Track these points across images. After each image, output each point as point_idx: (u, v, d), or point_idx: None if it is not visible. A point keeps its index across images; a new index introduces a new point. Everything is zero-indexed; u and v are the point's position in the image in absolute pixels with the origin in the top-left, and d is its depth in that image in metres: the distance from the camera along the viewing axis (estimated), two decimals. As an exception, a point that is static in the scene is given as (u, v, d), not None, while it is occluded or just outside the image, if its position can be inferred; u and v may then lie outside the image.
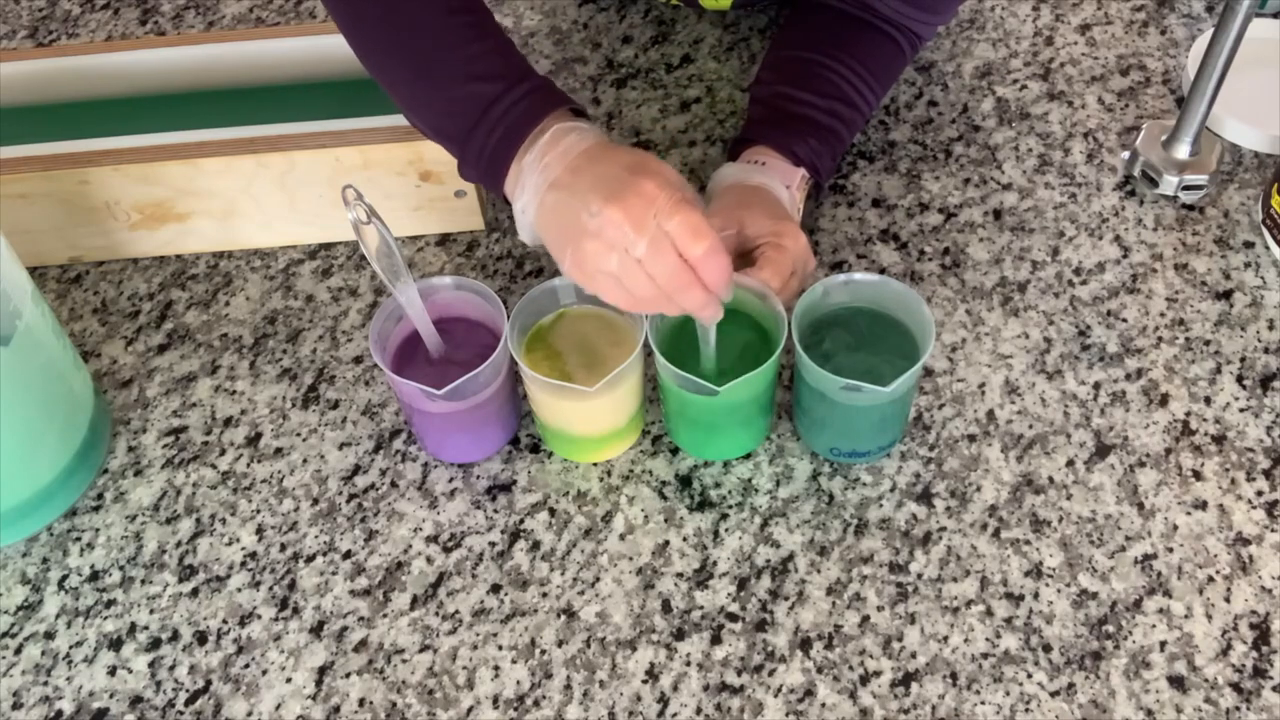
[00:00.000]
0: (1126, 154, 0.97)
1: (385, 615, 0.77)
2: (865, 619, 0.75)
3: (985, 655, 0.74)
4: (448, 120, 0.77)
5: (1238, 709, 0.71)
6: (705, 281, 0.68)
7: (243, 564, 0.80)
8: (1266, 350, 0.87)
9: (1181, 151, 0.94)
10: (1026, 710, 0.72)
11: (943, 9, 0.94)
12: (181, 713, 0.74)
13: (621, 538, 0.80)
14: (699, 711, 0.72)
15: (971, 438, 0.83)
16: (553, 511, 0.81)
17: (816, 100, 0.90)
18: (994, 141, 1.00)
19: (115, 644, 0.77)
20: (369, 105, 0.92)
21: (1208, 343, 0.87)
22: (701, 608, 0.76)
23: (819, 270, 0.92)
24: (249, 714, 0.74)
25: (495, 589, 0.78)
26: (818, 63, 0.91)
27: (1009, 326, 0.89)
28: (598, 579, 0.78)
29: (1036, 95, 1.03)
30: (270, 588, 0.79)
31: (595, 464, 0.83)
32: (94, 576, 0.80)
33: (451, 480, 0.83)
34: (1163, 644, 0.74)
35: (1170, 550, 0.77)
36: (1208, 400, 0.84)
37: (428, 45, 0.76)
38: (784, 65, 0.93)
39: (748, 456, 0.83)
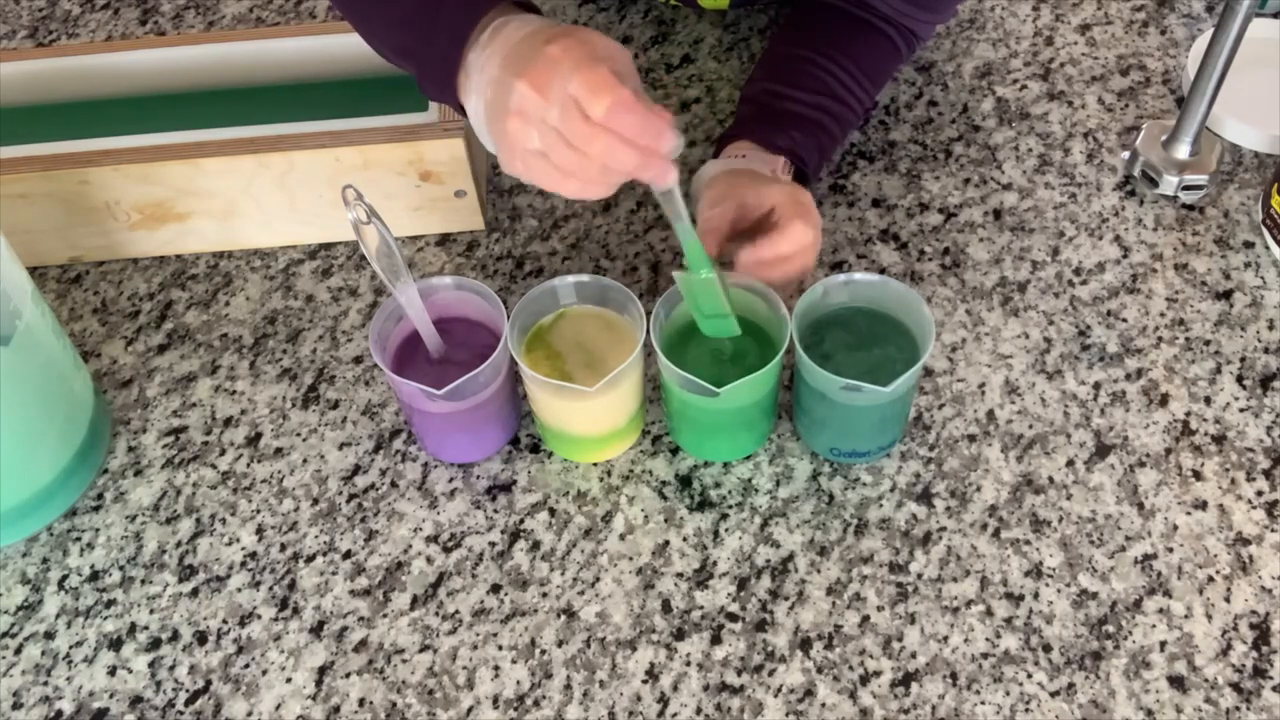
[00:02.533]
0: (1126, 154, 0.97)
1: (385, 615, 0.77)
2: (865, 619, 0.75)
3: (985, 655, 0.74)
4: (402, 33, 0.75)
5: (1238, 709, 0.71)
6: (626, 139, 0.63)
7: (243, 564, 0.80)
8: (1266, 350, 0.87)
9: (1181, 151, 0.94)
10: (1026, 710, 0.72)
11: (942, 8, 0.94)
12: (181, 713, 0.74)
13: (621, 538, 0.80)
14: (699, 711, 0.72)
15: (971, 438, 0.83)
16: (553, 511, 0.81)
17: (802, 96, 0.90)
18: (994, 141, 1.00)
19: (115, 644, 0.77)
20: (369, 105, 0.92)
21: (1208, 343, 0.87)
22: (701, 608, 0.76)
23: (819, 270, 0.92)
24: (249, 714, 0.74)
25: (495, 589, 0.78)
26: (808, 60, 0.91)
27: (1009, 326, 0.89)
28: (598, 579, 0.78)
29: (1036, 95, 1.03)
30: (270, 588, 0.79)
31: (595, 464, 0.83)
32: (94, 576, 0.80)
33: (451, 480, 0.83)
34: (1163, 644, 0.74)
35: (1170, 550, 0.77)
36: (1208, 400, 0.84)
37: None
38: (774, 64, 0.93)
39: (748, 457, 0.83)
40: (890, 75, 0.96)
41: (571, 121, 0.63)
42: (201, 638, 0.77)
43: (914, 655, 0.74)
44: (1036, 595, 0.76)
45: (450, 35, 0.72)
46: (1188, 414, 0.84)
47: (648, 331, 0.77)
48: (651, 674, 0.74)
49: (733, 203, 0.78)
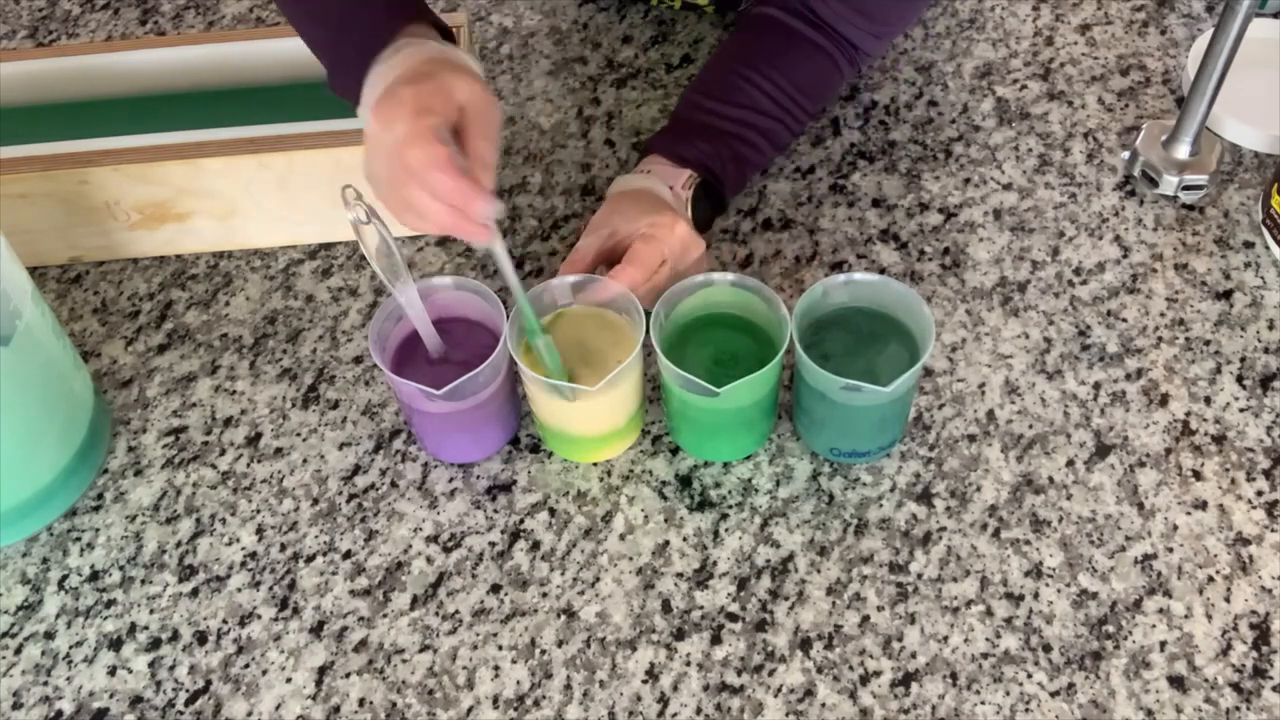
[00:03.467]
0: (1126, 154, 0.97)
1: (385, 615, 0.77)
2: (865, 619, 0.75)
3: (985, 655, 0.74)
4: (318, 31, 0.79)
5: (1238, 709, 0.71)
6: (437, 194, 0.67)
7: (243, 564, 0.80)
8: (1266, 350, 0.87)
9: (1181, 151, 0.94)
10: (1026, 710, 0.72)
11: (889, 19, 0.93)
12: (181, 713, 0.74)
13: (621, 538, 0.80)
14: (699, 711, 0.72)
15: (971, 438, 0.83)
16: (553, 511, 0.81)
17: (725, 109, 0.90)
18: (994, 141, 1.00)
19: (115, 644, 0.77)
20: (369, 105, 0.92)
21: (1208, 343, 0.87)
22: (701, 608, 0.76)
23: (819, 270, 0.92)
24: (249, 714, 0.74)
25: (495, 589, 0.78)
26: (738, 74, 0.91)
27: (1009, 326, 0.89)
28: (598, 579, 0.78)
29: (1036, 95, 1.03)
30: (270, 588, 0.79)
31: (595, 464, 0.83)
32: (94, 576, 0.80)
33: (451, 480, 0.83)
34: (1163, 644, 0.74)
35: (1170, 550, 0.77)
36: (1208, 400, 0.84)
37: None
38: (706, 76, 0.94)
39: (748, 457, 0.83)
40: (830, 91, 0.96)
41: (394, 166, 0.67)
42: (201, 638, 0.77)
43: (914, 655, 0.74)
44: (1036, 595, 0.76)
45: (360, 48, 0.74)
46: (1188, 414, 0.84)
47: (647, 331, 0.77)
48: (651, 674, 0.74)
49: (606, 231, 0.81)
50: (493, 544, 0.80)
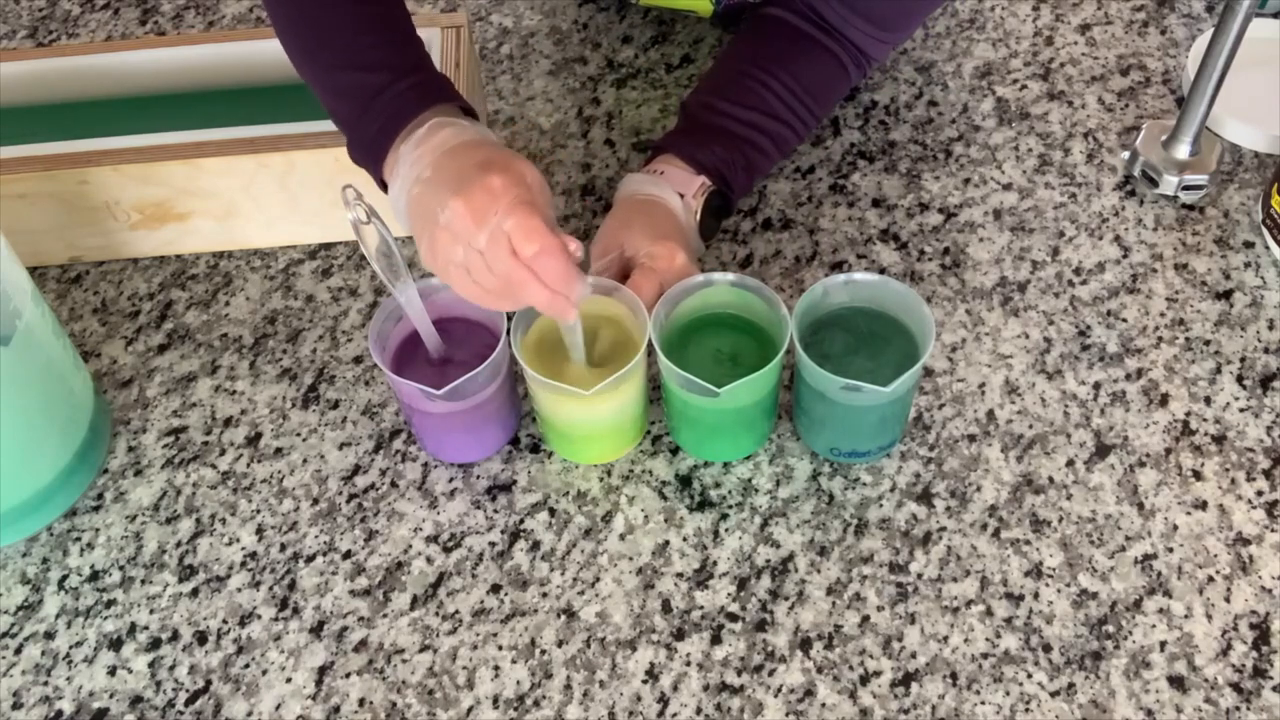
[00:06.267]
0: (1126, 154, 0.97)
1: (385, 615, 0.77)
2: (865, 619, 0.75)
3: (985, 655, 0.74)
4: (339, 103, 0.80)
5: (1238, 709, 0.71)
6: (543, 281, 0.70)
7: (243, 564, 0.80)
8: (1266, 350, 0.87)
9: (1181, 151, 0.94)
10: (1026, 710, 0.72)
11: (899, 27, 0.94)
12: (181, 713, 0.74)
13: (621, 538, 0.80)
14: (699, 711, 0.72)
15: (971, 438, 0.83)
16: (553, 511, 0.81)
17: (737, 111, 0.90)
18: (994, 141, 1.00)
19: (115, 644, 0.77)
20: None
21: (1208, 343, 0.87)
22: (701, 608, 0.76)
23: (819, 270, 0.92)
24: (249, 714, 0.74)
25: (495, 589, 0.78)
26: (749, 74, 0.91)
27: (1009, 326, 0.89)
28: (598, 579, 0.78)
29: (1036, 95, 1.03)
30: (270, 588, 0.79)
31: (595, 464, 0.83)
32: (94, 576, 0.80)
33: (451, 480, 0.83)
34: (1163, 644, 0.74)
35: (1170, 550, 0.77)
36: (1208, 400, 0.84)
37: (331, 31, 0.79)
38: (716, 76, 0.94)
39: (748, 457, 0.83)
40: (837, 96, 0.96)
41: (498, 252, 0.69)
42: (201, 638, 0.77)
43: (914, 655, 0.74)
44: (1036, 595, 0.76)
45: (385, 122, 0.76)
46: (1188, 414, 0.84)
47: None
48: (651, 674, 0.74)
49: (618, 254, 0.83)
50: (493, 544, 0.80)
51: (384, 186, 0.79)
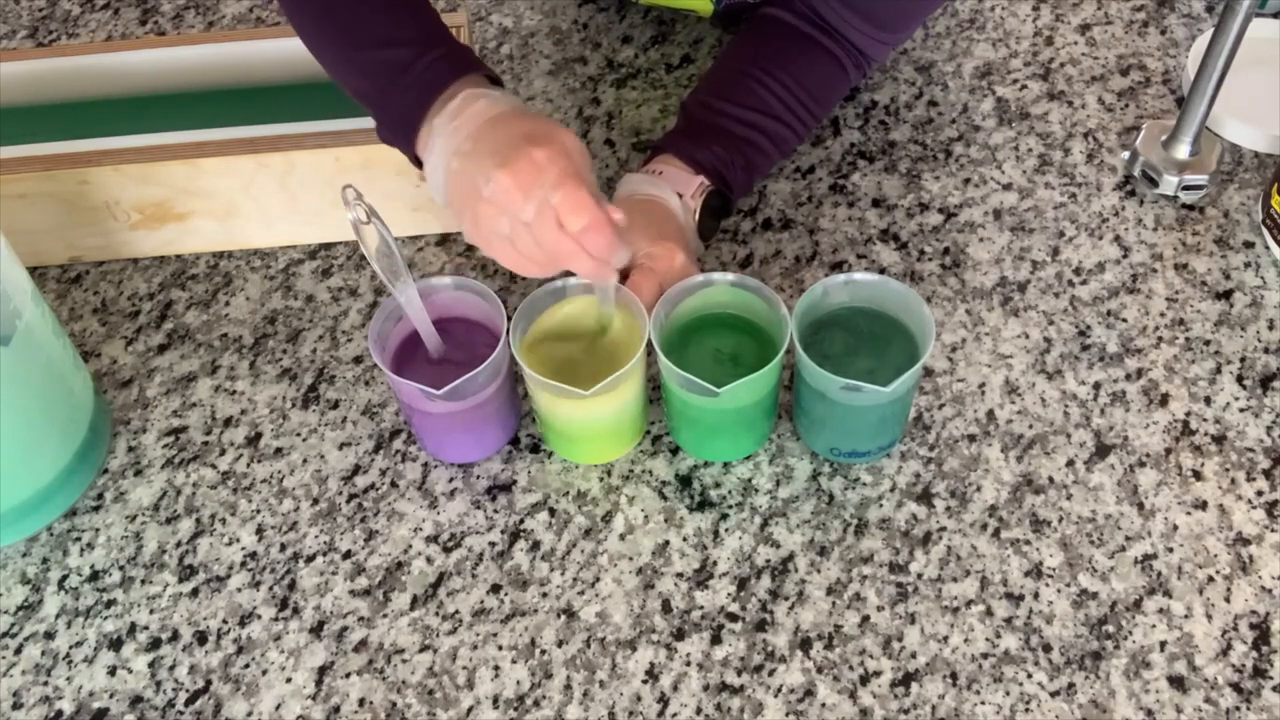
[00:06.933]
0: (1126, 154, 0.97)
1: (385, 615, 0.77)
2: (865, 619, 0.75)
3: (985, 655, 0.74)
4: (365, 81, 0.79)
5: (1238, 709, 0.71)
6: (588, 252, 0.71)
7: (243, 564, 0.80)
8: (1266, 350, 0.87)
9: (1181, 151, 0.94)
10: (1026, 710, 0.72)
11: (899, 28, 0.93)
12: (181, 713, 0.74)
13: (621, 538, 0.80)
14: (699, 711, 0.72)
15: (971, 438, 0.83)
16: (553, 511, 0.81)
17: (736, 111, 0.90)
18: (994, 141, 1.00)
19: (115, 644, 0.77)
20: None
21: (1208, 343, 0.87)
22: (701, 608, 0.76)
23: (819, 270, 0.92)
24: (249, 714, 0.74)
25: (495, 589, 0.78)
26: (748, 74, 0.91)
27: (1009, 326, 0.89)
28: (598, 579, 0.78)
29: (1036, 95, 1.03)
30: (270, 588, 0.79)
31: (595, 464, 0.83)
32: (94, 576, 0.80)
33: (451, 480, 0.83)
34: (1163, 644, 0.74)
35: (1170, 550, 0.77)
36: (1208, 400, 0.84)
37: (349, 12, 0.79)
38: (716, 76, 0.93)
39: (748, 457, 0.83)
40: (837, 96, 0.95)
41: (545, 225, 0.70)
42: (201, 638, 0.77)
43: (914, 655, 0.74)
44: (1036, 595, 0.76)
45: (417, 95, 0.76)
46: (1188, 414, 0.84)
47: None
48: (651, 674, 0.74)
49: None
50: (493, 544, 0.80)
51: (416, 162, 0.78)
